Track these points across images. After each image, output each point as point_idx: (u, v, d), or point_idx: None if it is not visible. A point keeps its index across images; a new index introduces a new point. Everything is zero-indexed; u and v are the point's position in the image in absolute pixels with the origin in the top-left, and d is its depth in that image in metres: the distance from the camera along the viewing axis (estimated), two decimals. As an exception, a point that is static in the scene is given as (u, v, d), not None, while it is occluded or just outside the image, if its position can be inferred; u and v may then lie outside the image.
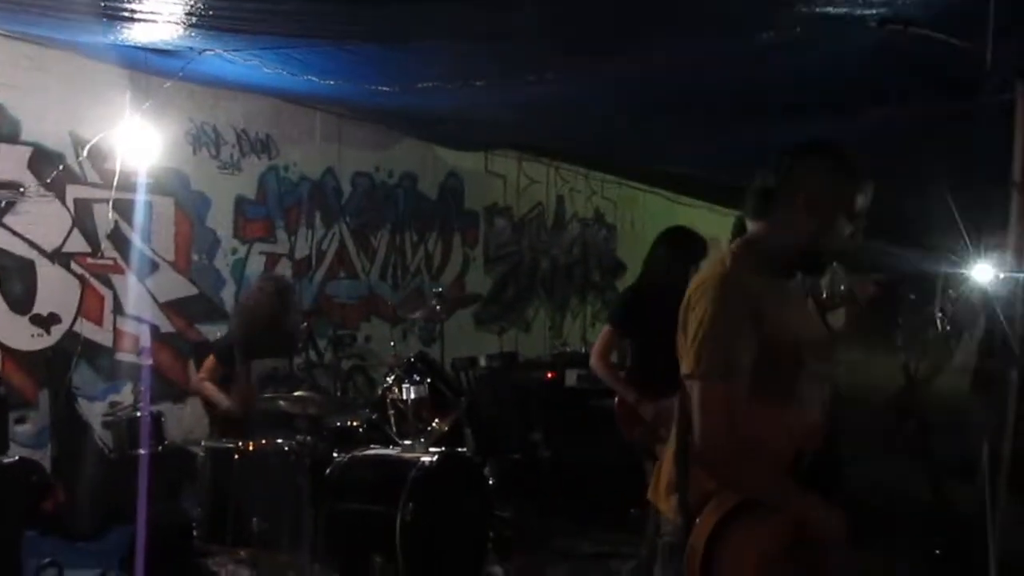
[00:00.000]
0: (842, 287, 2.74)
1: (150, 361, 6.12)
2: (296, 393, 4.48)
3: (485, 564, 4.75)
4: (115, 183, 5.75)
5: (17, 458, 3.87)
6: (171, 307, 6.38)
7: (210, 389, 5.21)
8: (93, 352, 5.84)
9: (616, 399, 4.69)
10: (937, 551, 2.24)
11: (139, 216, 6.07)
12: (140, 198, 6.03)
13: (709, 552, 2.15)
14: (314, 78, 5.32)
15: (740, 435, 2.18)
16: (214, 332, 6.55)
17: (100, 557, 4.59)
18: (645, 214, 13.06)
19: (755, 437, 2.21)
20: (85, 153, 5.56)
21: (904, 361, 2.40)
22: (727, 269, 2.34)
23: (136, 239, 6.09)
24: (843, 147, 2.39)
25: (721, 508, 2.19)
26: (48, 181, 5.46)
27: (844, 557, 2.28)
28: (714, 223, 14.30)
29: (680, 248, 4.69)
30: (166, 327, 6.35)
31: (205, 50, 4.78)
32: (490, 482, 4.72)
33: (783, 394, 2.30)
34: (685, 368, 2.26)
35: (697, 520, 2.20)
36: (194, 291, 6.57)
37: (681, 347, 2.32)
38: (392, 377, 5.01)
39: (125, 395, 5.99)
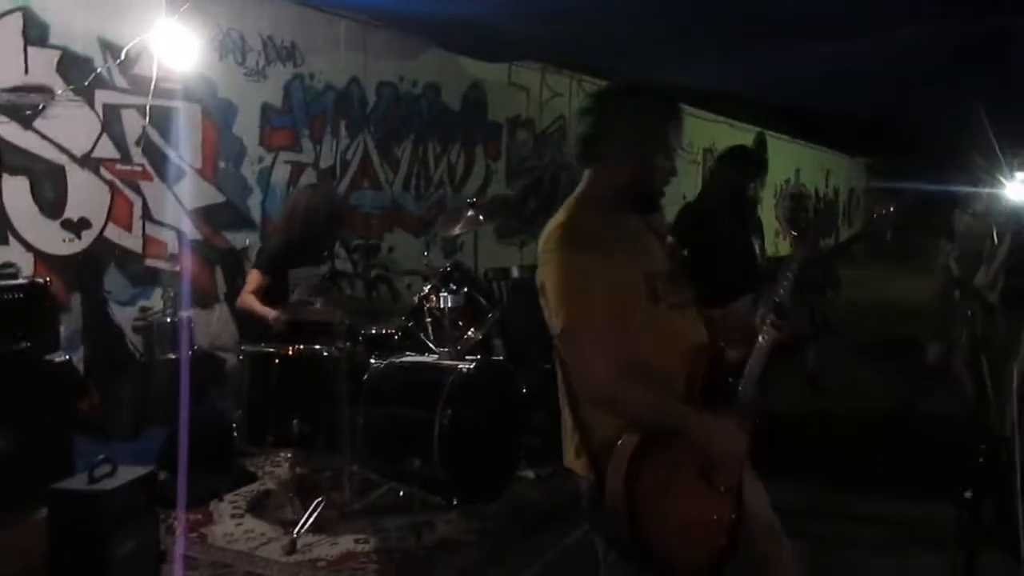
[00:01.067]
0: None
1: (178, 267, 6.17)
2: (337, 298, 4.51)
3: (518, 469, 4.85)
4: (146, 89, 5.74)
5: (67, 357, 3.93)
6: (198, 214, 6.38)
7: (256, 305, 5.03)
8: (123, 258, 5.85)
9: None
10: (981, 459, 2.27)
11: (167, 123, 6.05)
12: (168, 104, 6.00)
13: (630, 491, 2.17)
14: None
15: (621, 370, 2.20)
16: (241, 240, 6.59)
17: (137, 457, 4.67)
18: (666, 129, 12.94)
19: (638, 369, 2.24)
20: (123, 56, 5.51)
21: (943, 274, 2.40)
22: (564, 219, 2.36)
23: (164, 146, 6.07)
24: (647, 87, 2.43)
25: (627, 448, 2.20)
26: (85, 84, 5.42)
27: (744, 469, 2.35)
28: (735, 138, 14.26)
29: (738, 166, 4.82)
30: (194, 234, 6.36)
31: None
32: (523, 390, 4.79)
33: (651, 328, 2.33)
34: (553, 327, 2.28)
35: (608, 467, 2.21)
36: (221, 199, 6.57)
37: (545, 308, 2.34)
38: (429, 286, 5.05)
39: (154, 300, 6.03)
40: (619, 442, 2.22)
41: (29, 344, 3.68)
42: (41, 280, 3.89)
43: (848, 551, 4.21)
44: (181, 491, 4.01)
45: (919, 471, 5.32)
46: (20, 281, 3.81)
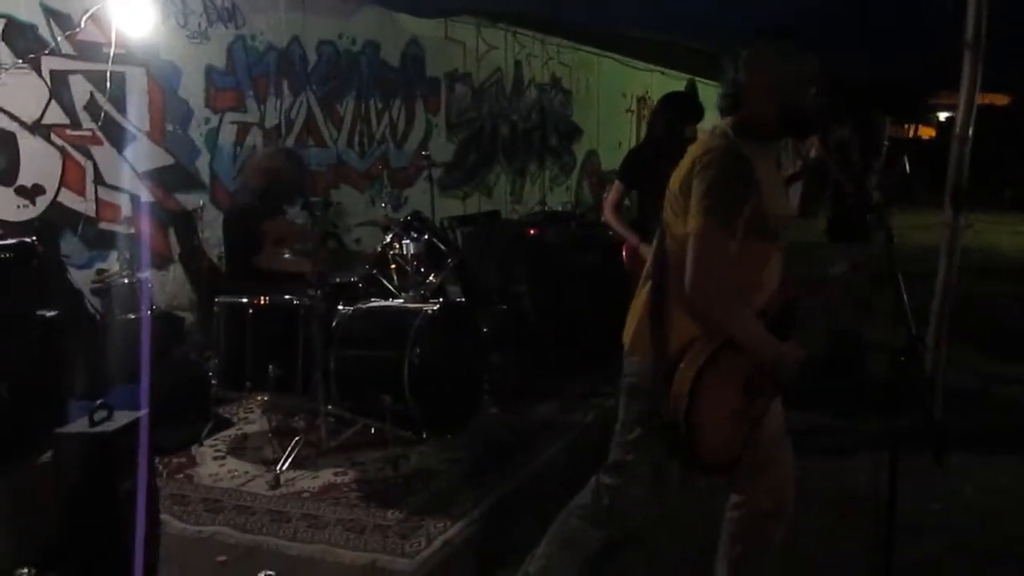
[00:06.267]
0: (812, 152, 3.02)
1: (133, 230, 6.27)
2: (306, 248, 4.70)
3: (481, 404, 5.13)
4: (90, 55, 5.83)
5: (58, 313, 4.06)
6: (149, 177, 6.49)
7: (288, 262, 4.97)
8: (78, 222, 5.96)
9: (625, 243, 5.20)
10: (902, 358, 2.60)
11: (114, 87, 6.11)
12: (114, 69, 6.07)
13: (691, 398, 2.46)
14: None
15: (729, 284, 2.50)
16: (193, 201, 6.71)
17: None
18: (600, 79, 13.21)
19: (738, 290, 2.55)
20: (82, 25, 5.58)
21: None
22: (730, 141, 2.62)
23: (112, 110, 6.15)
24: (783, 30, 2.66)
25: (699, 358, 2.50)
26: (32, 56, 5.49)
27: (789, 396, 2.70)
28: (665, 86, 14.57)
29: (678, 111, 5.14)
30: (145, 197, 6.47)
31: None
32: (484, 330, 5.05)
33: (757, 257, 2.63)
34: (686, 225, 2.54)
35: (679, 368, 2.51)
36: (171, 161, 6.68)
37: (676, 206, 2.63)
38: (391, 235, 5.27)
39: (111, 263, 6.14)
40: (689, 353, 2.51)
41: (21, 301, 3.83)
42: (29, 240, 4.01)
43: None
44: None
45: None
46: (10, 241, 3.93)
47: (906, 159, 4.74)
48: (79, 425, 3.42)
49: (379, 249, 5.35)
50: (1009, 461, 4.77)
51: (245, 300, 4.68)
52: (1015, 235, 14.51)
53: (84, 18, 5.58)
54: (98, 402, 3.51)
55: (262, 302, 4.68)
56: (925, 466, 2.73)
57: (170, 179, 6.67)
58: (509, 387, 5.56)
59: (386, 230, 5.35)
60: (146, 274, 5.93)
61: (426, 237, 5.23)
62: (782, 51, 2.63)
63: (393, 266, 5.24)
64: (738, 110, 2.69)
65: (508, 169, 11.30)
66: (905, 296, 2.56)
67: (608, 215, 5.30)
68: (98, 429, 3.37)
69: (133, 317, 5.66)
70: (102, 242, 6.12)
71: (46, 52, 5.64)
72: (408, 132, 9.31)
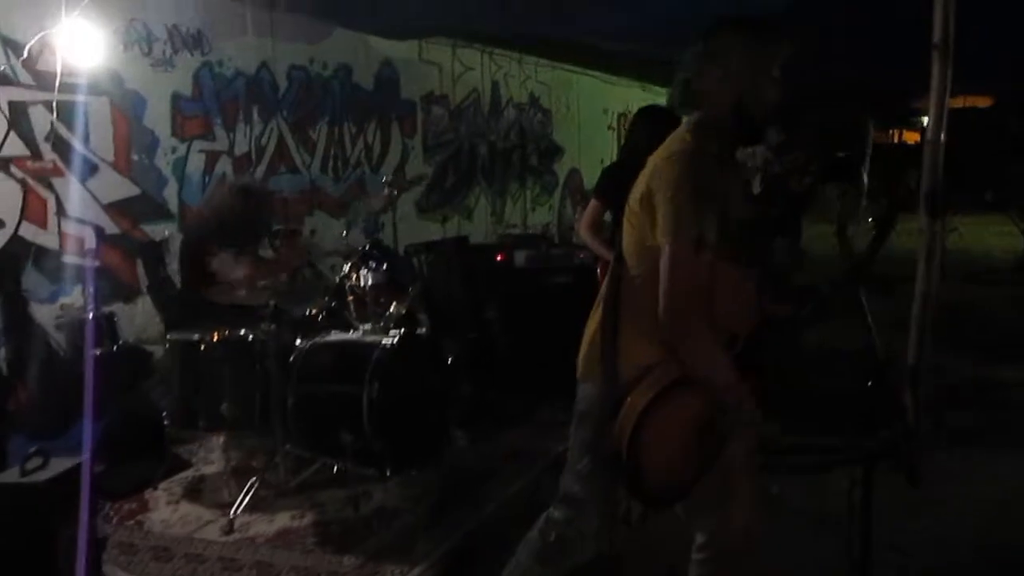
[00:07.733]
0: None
1: (96, 263, 6.14)
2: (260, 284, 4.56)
3: (448, 436, 4.98)
4: (51, 85, 5.70)
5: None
6: (115, 208, 6.36)
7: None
8: (40, 255, 5.82)
9: (600, 263, 5.06)
10: (869, 383, 2.49)
11: (76, 117, 6.00)
12: (76, 99, 5.96)
13: (637, 430, 2.36)
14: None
15: (698, 303, 2.36)
16: (160, 231, 6.57)
17: (69, 451, 4.70)
18: (579, 96, 13.14)
19: (705, 310, 2.40)
20: (26, 53, 5.46)
21: (840, 225, 2.61)
22: (691, 145, 2.47)
23: (74, 140, 6.03)
24: (754, 18, 2.49)
25: (652, 389, 2.38)
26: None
27: (747, 437, 2.55)
28: (646, 101, 14.49)
29: (657, 124, 4.97)
30: (111, 228, 6.34)
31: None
32: (449, 360, 4.90)
33: (727, 275, 2.47)
34: (651, 240, 2.41)
35: (628, 398, 2.39)
36: (136, 191, 6.54)
37: (638, 218, 2.49)
38: (348, 265, 5.13)
39: (75, 297, 6.01)
40: (645, 382, 2.39)
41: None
42: (-41, 280, 3.89)
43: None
44: (85, 479, 3.88)
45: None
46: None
47: (918, 175, 4.69)
48: (9, 475, 3.28)
49: (337, 280, 5.22)
50: (997, 465, 4.72)
51: (196, 336, 4.54)
52: (999, 236, 14.39)
53: (30, 44, 5.44)
54: (32, 449, 3.37)
55: (215, 338, 4.53)
56: (904, 481, 2.62)
57: (136, 209, 6.53)
58: (479, 416, 5.43)
59: (346, 259, 5.21)
60: (95, 309, 5.76)
61: (385, 267, 5.09)
62: (746, 39, 2.46)
63: (351, 297, 5.10)
64: (699, 108, 2.54)
65: (488, 191, 11.19)
66: (868, 313, 2.47)
67: (584, 234, 5.14)
68: (29, 479, 3.22)
69: (97, 352, 5.54)
70: (65, 275, 5.98)
71: (2, 83, 5.52)
72: (384, 156, 9.19)
